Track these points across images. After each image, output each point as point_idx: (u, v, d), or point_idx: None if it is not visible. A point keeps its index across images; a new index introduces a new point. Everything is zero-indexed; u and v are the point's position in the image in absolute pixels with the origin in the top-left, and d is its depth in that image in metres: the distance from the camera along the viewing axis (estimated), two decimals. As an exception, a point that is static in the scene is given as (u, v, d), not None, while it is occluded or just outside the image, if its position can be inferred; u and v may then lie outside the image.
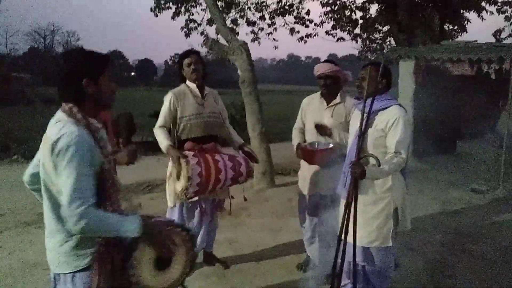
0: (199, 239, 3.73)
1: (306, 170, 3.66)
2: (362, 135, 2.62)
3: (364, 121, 2.61)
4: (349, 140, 3.04)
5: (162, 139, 3.47)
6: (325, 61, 3.65)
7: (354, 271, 2.79)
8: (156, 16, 11.33)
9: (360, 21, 12.38)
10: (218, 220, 4.06)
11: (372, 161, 2.70)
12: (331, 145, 3.39)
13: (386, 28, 12.50)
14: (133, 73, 75.01)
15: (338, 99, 3.55)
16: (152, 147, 12.32)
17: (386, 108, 2.77)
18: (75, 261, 1.79)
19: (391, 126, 2.71)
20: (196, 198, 3.53)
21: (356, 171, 2.52)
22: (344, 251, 2.68)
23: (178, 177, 3.34)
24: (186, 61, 3.60)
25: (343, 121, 3.44)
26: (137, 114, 16.36)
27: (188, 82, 3.65)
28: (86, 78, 1.79)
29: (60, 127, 1.73)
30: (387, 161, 2.65)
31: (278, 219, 5.38)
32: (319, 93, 3.65)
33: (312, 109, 3.65)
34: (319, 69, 3.50)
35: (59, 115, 1.80)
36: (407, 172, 3.62)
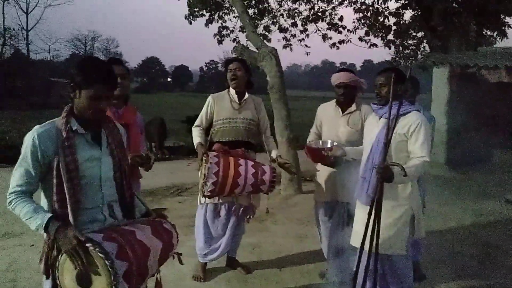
0: (223, 243, 3.77)
1: (322, 177, 3.66)
2: (388, 141, 2.60)
3: (392, 127, 2.60)
4: (364, 146, 3.03)
5: (195, 137, 3.68)
6: (342, 70, 3.62)
7: (374, 279, 2.76)
8: (190, 23, 11.54)
9: (394, 27, 12.18)
10: (242, 225, 4.08)
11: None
12: (335, 144, 3.36)
13: (420, 34, 12.26)
14: (169, 79, 76.49)
15: (353, 107, 3.54)
16: (183, 152, 12.58)
17: (406, 113, 2.81)
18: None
19: (413, 132, 2.75)
20: (217, 200, 3.61)
21: (385, 175, 2.55)
22: (368, 259, 2.66)
23: (201, 176, 3.44)
24: (229, 67, 3.76)
25: (359, 129, 3.42)
26: (171, 119, 16.75)
27: (230, 87, 3.78)
28: (72, 83, 1.96)
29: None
30: (412, 165, 2.67)
31: (303, 226, 5.35)
32: (334, 101, 3.66)
33: (328, 117, 3.65)
34: (338, 78, 3.49)
35: None
36: (424, 181, 3.58)
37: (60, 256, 1.83)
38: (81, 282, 1.79)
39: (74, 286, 1.81)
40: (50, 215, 1.86)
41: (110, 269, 1.73)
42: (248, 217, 3.80)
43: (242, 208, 3.72)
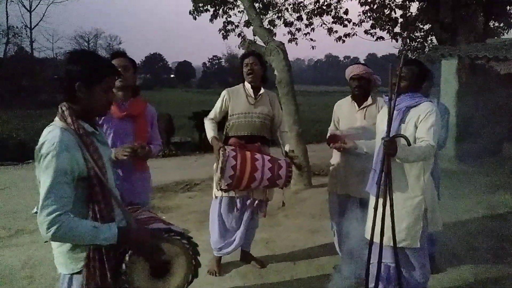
0: (237, 237, 3.76)
1: (336, 169, 3.66)
2: (391, 116, 2.60)
3: (393, 102, 2.59)
4: (376, 139, 3.02)
5: (209, 131, 3.66)
6: (357, 63, 3.62)
7: (399, 273, 2.75)
8: (195, 19, 11.50)
9: (400, 20, 12.11)
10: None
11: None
12: (359, 131, 3.38)
13: (427, 26, 12.17)
14: (172, 75, 76.48)
15: (369, 100, 3.54)
16: (189, 148, 12.59)
17: (418, 104, 2.81)
18: (71, 264, 1.82)
19: (422, 119, 2.75)
20: (233, 194, 3.59)
21: (389, 147, 2.53)
22: (380, 252, 2.65)
23: (217, 169, 3.44)
24: (245, 61, 3.73)
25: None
26: (175, 115, 16.73)
27: (245, 82, 3.76)
28: (79, 82, 1.78)
29: (47, 132, 1.75)
30: (418, 146, 2.66)
31: (314, 220, 5.34)
32: (349, 96, 3.66)
33: (344, 113, 3.65)
34: (353, 70, 3.49)
35: (55, 119, 1.82)
36: (439, 174, 3.55)
37: (127, 260, 1.79)
38: (158, 274, 1.87)
39: (149, 281, 1.85)
40: (114, 224, 1.76)
41: (187, 246, 1.94)
42: (263, 211, 3.80)
43: (256, 202, 3.72)
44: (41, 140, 1.73)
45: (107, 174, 1.85)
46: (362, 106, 3.54)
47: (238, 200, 3.67)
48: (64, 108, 1.80)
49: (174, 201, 6.39)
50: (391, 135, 2.61)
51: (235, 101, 3.70)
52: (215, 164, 3.58)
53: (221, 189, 3.43)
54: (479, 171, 7.92)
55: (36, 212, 1.72)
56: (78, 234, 1.67)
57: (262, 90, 3.79)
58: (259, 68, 3.72)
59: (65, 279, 1.86)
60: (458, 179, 7.27)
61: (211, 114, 3.77)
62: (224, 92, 3.77)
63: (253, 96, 3.72)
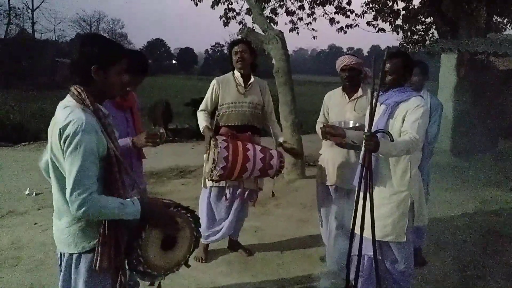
0: (225, 226, 3.78)
1: (324, 160, 3.65)
2: (373, 110, 2.55)
3: (375, 96, 2.54)
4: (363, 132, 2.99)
5: (201, 121, 3.62)
6: (348, 54, 3.59)
7: (376, 266, 2.75)
8: (196, 5, 11.37)
9: (402, 12, 11.99)
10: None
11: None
12: (357, 124, 3.33)
13: (429, 19, 12.07)
14: (174, 61, 76.13)
15: (360, 92, 3.51)
16: (187, 134, 12.57)
17: (407, 99, 2.77)
18: (82, 243, 1.85)
19: (409, 113, 2.71)
20: (223, 184, 3.58)
21: (370, 143, 2.48)
22: (360, 244, 2.65)
23: (208, 159, 3.42)
24: (234, 49, 3.68)
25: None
26: (176, 102, 16.69)
27: (235, 70, 3.72)
28: (96, 65, 1.81)
29: (68, 112, 1.76)
30: (401, 140, 2.62)
31: (305, 210, 5.36)
32: (340, 88, 3.63)
33: (335, 104, 3.62)
34: (343, 61, 3.45)
35: (68, 99, 1.84)
36: (429, 169, 3.54)
37: (143, 234, 1.89)
38: (167, 246, 2.00)
39: (160, 253, 1.98)
40: (137, 200, 1.86)
41: (191, 219, 2.10)
42: (253, 201, 3.80)
43: (247, 192, 3.72)
44: (63, 120, 1.74)
45: (120, 156, 1.91)
46: (352, 98, 3.51)
47: (228, 190, 3.66)
48: (79, 90, 1.81)
49: (167, 187, 6.40)
50: (377, 130, 2.59)
51: (225, 91, 3.66)
52: (205, 154, 3.58)
53: (212, 180, 3.41)
54: (474, 166, 7.92)
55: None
56: (108, 211, 1.75)
57: (252, 79, 3.75)
58: (248, 56, 3.67)
59: (72, 258, 1.88)
60: (452, 173, 7.29)
61: (203, 105, 3.73)
62: (213, 82, 3.70)
63: (243, 85, 3.69)
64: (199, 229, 2.18)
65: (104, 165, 1.82)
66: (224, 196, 3.67)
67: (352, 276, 2.77)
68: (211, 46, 74.51)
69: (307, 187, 6.40)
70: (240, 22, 11.83)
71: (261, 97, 3.76)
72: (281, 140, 3.76)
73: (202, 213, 3.78)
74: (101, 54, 1.82)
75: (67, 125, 1.72)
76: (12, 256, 3.78)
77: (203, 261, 3.81)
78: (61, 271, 1.93)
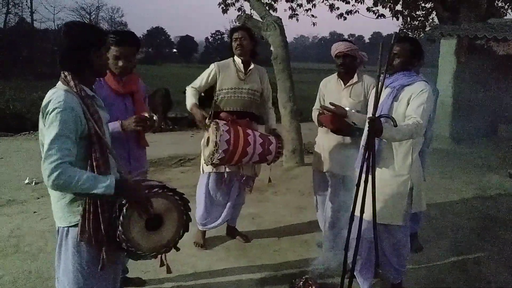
0: (223, 213, 3.80)
1: (320, 147, 3.66)
2: (379, 94, 2.52)
3: (381, 80, 2.52)
4: (368, 115, 2.98)
5: (190, 97, 3.61)
6: (342, 40, 3.56)
7: (376, 250, 2.78)
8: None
9: (403, -3, 11.90)
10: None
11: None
12: (353, 110, 3.32)
13: (429, 5, 11.96)
14: (174, 50, 75.75)
15: (355, 78, 3.48)
16: (186, 123, 12.58)
17: (412, 83, 2.78)
18: (69, 217, 1.96)
19: (414, 97, 2.72)
20: (221, 170, 3.59)
21: (374, 127, 2.48)
22: (359, 227, 2.66)
23: (207, 143, 3.42)
24: (234, 35, 3.66)
25: (362, 100, 3.40)
26: (175, 90, 16.64)
27: (235, 56, 3.70)
28: (94, 48, 1.95)
29: (52, 92, 1.89)
30: (405, 124, 2.62)
31: (303, 197, 5.37)
32: (335, 74, 3.61)
33: (330, 90, 3.61)
34: (337, 48, 3.43)
35: (58, 83, 1.96)
36: (426, 155, 3.55)
37: (124, 212, 1.91)
38: (153, 226, 2.02)
39: (144, 233, 2.00)
40: (112, 176, 1.89)
41: (180, 202, 2.10)
42: (250, 187, 3.82)
43: (244, 178, 3.74)
44: (46, 99, 1.87)
45: (106, 134, 2.00)
46: (348, 84, 3.50)
47: (226, 176, 3.67)
48: (66, 73, 1.93)
49: (167, 175, 6.43)
50: (382, 113, 2.59)
51: (224, 76, 3.63)
52: (203, 139, 3.58)
53: (212, 164, 3.39)
54: (473, 151, 7.93)
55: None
56: (78, 182, 1.77)
57: (252, 65, 3.73)
58: (248, 42, 3.65)
59: (63, 232, 2.00)
60: (451, 159, 7.31)
61: (196, 83, 3.69)
62: (213, 66, 3.67)
63: (243, 71, 3.67)
64: (189, 212, 2.18)
65: (85, 144, 1.89)
66: (224, 182, 3.68)
67: (349, 260, 2.79)
68: (211, 34, 73.97)
69: (306, 174, 6.39)
70: (239, 9, 11.75)
71: (260, 84, 3.75)
72: (273, 126, 3.76)
73: (200, 199, 3.79)
74: (95, 38, 1.96)
75: (48, 103, 1.85)
76: (11, 244, 3.81)
77: (202, 247, 3.84)
78: (57, 244, 2.04)
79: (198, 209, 3.81)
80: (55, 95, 1.86)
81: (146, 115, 2.76)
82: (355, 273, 2.82)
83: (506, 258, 3.81)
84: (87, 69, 1.97)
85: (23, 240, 3.90)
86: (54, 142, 1.78)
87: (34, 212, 4.65)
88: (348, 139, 3.46)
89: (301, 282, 3.13)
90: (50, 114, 1.81)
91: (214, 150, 3.25)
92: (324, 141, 3.60)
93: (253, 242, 4.02)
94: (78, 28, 1.98)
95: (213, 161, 3.32)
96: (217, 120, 3.40)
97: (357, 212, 2.69)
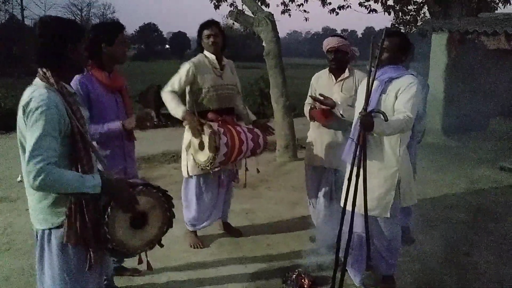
0: (215, 210, 3.82)
1: (312, 141, 3.68)
2: (369, 90, 2.57)
3: (372, 75, 2.55)
4: (356, 108, 3.01)
5: (176, 105, 3.37)
6: (334, 35, 3.56)
7: (368, 243, 2.80)
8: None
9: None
10: (237, 192, 4.11)
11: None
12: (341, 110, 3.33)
13: (420, -1, 12.00)
14: (167, 46, 75.33)
15: (346, 73, 3.50)
16: (179, 119, 12.53)
17: (400, 77, 2.79)
18: (52, 218, 1.91)
19: (403, 91, 2.73)
20: (217, 169, 3.54)
21: (365, 121, 2.51)
22: (351, 221, 2.69)
23: (200, 147, 3.34)
24: (206, 32, 3.54)
25: (353, 95, 3.41)
26: (167, 86, 16.59)
27: (206, 52, 3.60)
28: (70, 44, 1.90)
29: (32, 90, 1.83)
30: (395, 119, 2.65)
31: (297, 192, 5.39)
32: (327, 69, 3.62)
33: (322, 85, 3.61)
34: (329, 43, 3.44)
35: (35, 80, 1.90)
36: (416, 149, 3.57)
37: (109, 212, 1.89)
38: (137, 224, 2.02)
39: (129, 232, 2.00)
40: (97, 175, 1.86)
41: (163, 199, 2.10)
42: (237, 180, 3.85)
43: (228, 173, 3.76)
44: (25, 98, 1.80)
45: (87, 134, 1.96)
46: (339, 79, 3.51)
47: (221, 174, 3.68)
48: (45, 70, 1.87)
49: (160, 172, 6.42)
50: (370, 108, 2.61)
51: (202, 74, 3.50)
52: (187, 142, 3.53)
53: (210, 168, 3.32)
54: (465, 145, 7.99)
55: (20, 181, 1.82)
56: (65, 182, 1.74)
57: (225, 60, 3.66)
58: (221, 38, 3.56)
59: (44, 234, 1.93)
60: (443, 153, 7.36)
61: (174, 86, 3.45)
62: (189, 65, 3.49)
63: (218, 67, 3.59)
64: (172, 209, 2.17)
65: (68, 142, 1.85)
66: (212, 182, 3.68)
67: (341, 254, 2.82)
68: (204, 30, 73.49)
69: (299, 169, 6.41)
70: (231, 5, 11.71)
71: (233, 77, 3.71)
72: (253, 118, 3.78)
73: (190, 202, 3.74)
74: (72, 33, 1.91)
75: (29, 101, 1.78)
76: (3, 241, 3.81)
77: (201, 247, 3.80)
78: (37, 248, 1.98)
79: (187, 211, 3.78)
80: (37, 93, 1.79)
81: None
82: (347, 267, 2.85)
83: (497, 250, 3.85)
84: (65, 65, 1.92)
85: (15, 237, 3.90)
86: (39, 142, 1.73)
87: (27, 209, 4.57)
88: (340, 133, 3.48)
89: (294, 276, 3.15)
90: (33, 113, 1.75)
91: (215, 154, 3.18)
92: (316, 135, 3.62)
93: (246, 237, 4.03)
94: (53, 23, 1.91)
95: (213, 166, 3.27)
96: (209, 123, 3.30)
97: (349, 206, 2.72)
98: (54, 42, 1.87)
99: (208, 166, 3.27)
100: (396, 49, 2.82)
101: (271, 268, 3.46)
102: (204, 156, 3.29)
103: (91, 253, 1.92)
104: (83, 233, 1.88)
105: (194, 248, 3.79)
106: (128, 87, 3.14)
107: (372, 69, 2.54)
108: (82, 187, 1.78)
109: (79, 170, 1.86)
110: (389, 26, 13.56)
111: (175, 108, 3.38)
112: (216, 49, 3.55)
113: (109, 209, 1.89)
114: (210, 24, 3.56)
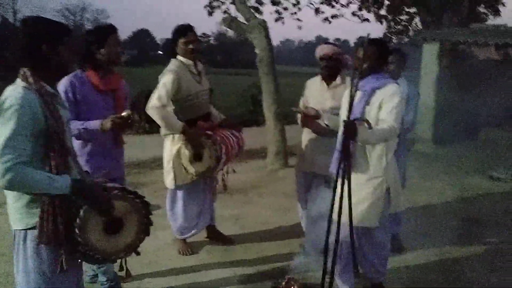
0: (202, 217, 3.79)
1: (303, 148, 3.68)
2: (352, 96, 2.59)
3: (354, 84, 2.57)
4: (340, 119, 3.01)
5: (175, 120, 3.32)
6: (327, 43, 3.59)
7: (353, 252, 2.79)
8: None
9: (387, 2, 12.04)
10: (227, 198, 4.07)
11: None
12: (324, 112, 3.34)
13: (413, 9, 12.13)
14: (159, 52, 75.22)
15: (338, 80, 3.52)
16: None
17: (383, 86, 2.78)
18: (26, 219, 1.88)
19: (386, 101, 2.73)
20: (191, 180, 3.51)
21: (349, 129, 2.51)
22: (338, 231, 2.68)
23: (196, 158, 3.34)
24: (184, 39, 3.46)
25: None
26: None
27: (181, 58, 3.51)
28: (45, 44, 1.85)
29: (10, 89, 1.82)
30: (380, 128, 2.66)
31: (287, 199, 5.37)
32: (319, 76, 3.63)
33: (314, 92, 3.63)
34: (322, 50, 3.46)
35: (17, 80, 1.88)
36: (405, 157, 3.59)
37: (81, 214, 1.84)
38: (112, 230, 1.95)
39: (103, 237, 1.93)
40: (67, 176, 1.82)
41: (140, 205, 2.03)
42: (217, 183, 3.83)
43: (212, 179, 3.75)
44: (3, 96, 1.79)
45: (66, 134, 1.93)
46: (331, 86, 3.53)
47: (199, 183, 3.64)
48: (25, 70, 1.85)
49: (149, 177, 6.36)
50: (356, 118, 2.61)
51: (184, 82, 3.41)
52: (169, 152, 3.50)
53: (212, 176, 3.37)
54: (454, 154, 8.03)
55: None
56: (33, 182, 1.72)
57: (200, 65, 3.63)
58: (198, 44, 3.56)
59: (20, 235, 1.90)
60: (433, 162, 7.40)
61: (163, 101, 3.28)
62: (173, 75, 3.36)
63: (196, 73, 3.55)
64: (150, 216, 2.10)
65: (43, 143, 1.82)
66: (202, 190, 3.67)
67: (329, 263, 2.80)
68: (198, 36, 73.68)
69: (290, 176, 6.36)
70: (225, 12, 11.73)
71: (207, 82, 3.71)
72: (223, 117, 3.80)
73: (177, 213, 3.70)
74: (47, 32, 1.87)
75: (5, 99, 1.77)
76: (-10, 246, 3.75)
77: (190, 254, 3.76)
78: (14, 249, 1.95)
79: (176, 222, 3.74)
80: (13, 92, 1.78)
81: (124, 114, 2.71)
82: (335, 277, 2.83)
83: (487, 258, 3.86)
84: (45, 65, 1.88)
85: (3, 241, 3.84)
86: (9, 141, 1.71)
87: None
88: (329, 139, 3.47)
89: (284, 283, 3.13)
90: (6, 111, 1.73)
91: (216, 164, 3.21)
92: (308, 141, 3.63)
93: (236, 244, 4.00)
94: (31, 22, 1.89)
95: (211, 174, 3.31)
96: (208, 132, 3.32)
97: (335, 216, 2.71)
98: (30, 41, 1.86)
99: (206, 175, 3.32)
100: (376, 57, 2.79)
101: (261, 275, 3.44)
102: (202, 166, 3.31)
103: (63, 255, 1.87)
104: (55, 234, 1.83)
105: (183, 254, 3.76)
106: (127, 90, 3.13)
107: (355, 78, 2.57)
108: (50, 187, 1.75)
109: (53, 171, 1.82)
110: (381, 36, 13.71)
111: (172, 125, 3.32)
112: (197, 56, 3.56)
113: (81, 212, 1.85)
114: (188, 29, 3.50)
